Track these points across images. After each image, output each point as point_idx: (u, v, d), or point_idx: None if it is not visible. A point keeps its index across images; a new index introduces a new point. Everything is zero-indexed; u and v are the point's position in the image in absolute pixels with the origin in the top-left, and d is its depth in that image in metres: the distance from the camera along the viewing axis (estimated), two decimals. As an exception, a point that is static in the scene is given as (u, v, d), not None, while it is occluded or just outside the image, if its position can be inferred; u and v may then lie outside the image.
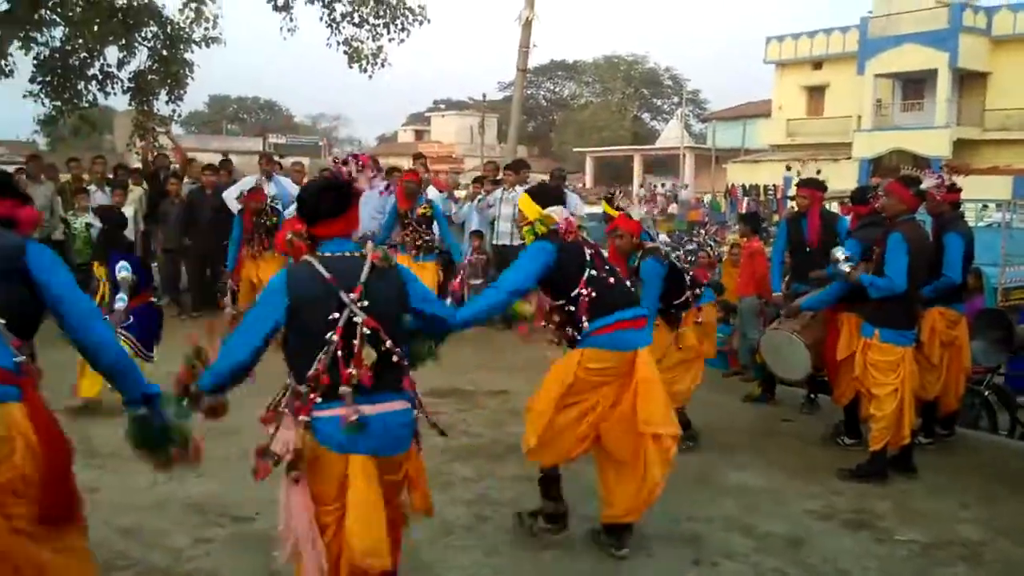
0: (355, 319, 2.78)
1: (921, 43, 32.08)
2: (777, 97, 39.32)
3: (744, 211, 22.84)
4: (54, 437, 2.54)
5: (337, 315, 2.76)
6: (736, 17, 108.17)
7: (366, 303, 2.80)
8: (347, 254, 2.90)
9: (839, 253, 5.41)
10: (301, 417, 2.75)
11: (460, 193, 11.29)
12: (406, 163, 13.37)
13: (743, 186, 32.60)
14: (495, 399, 6.61)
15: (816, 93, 38.07)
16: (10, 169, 10.67)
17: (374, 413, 2.79)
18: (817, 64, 37.67)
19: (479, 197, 10.13)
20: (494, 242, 9.86)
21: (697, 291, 5.57)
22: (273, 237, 8.92)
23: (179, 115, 14.94)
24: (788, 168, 31.05)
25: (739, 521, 4.55)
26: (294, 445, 2.71)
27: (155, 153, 13.38)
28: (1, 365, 2.46)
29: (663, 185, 39.07)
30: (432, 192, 10.11)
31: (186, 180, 10.74)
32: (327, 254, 2.88)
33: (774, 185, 31.73)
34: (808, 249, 6.48)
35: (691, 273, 5.69)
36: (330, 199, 2.93)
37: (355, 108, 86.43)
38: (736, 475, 5.30)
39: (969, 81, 33.22)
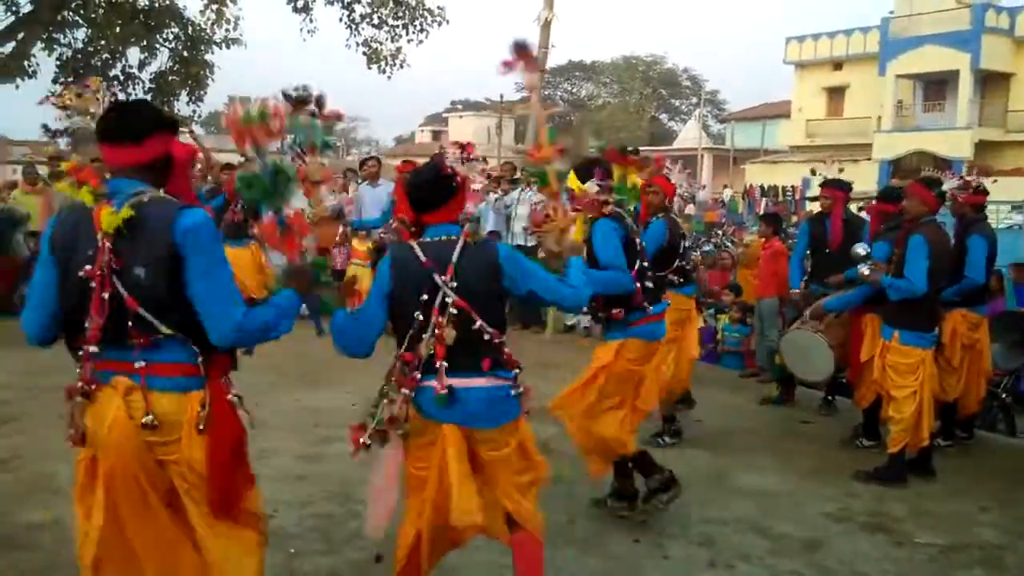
0: (447, 299, 2.94)
1: (943, 44, 31.81)
2: (797, 98, 39.10)
3: (763, 212, 22.74)
4: (226, 429, 2.61)
5: (428, 296, 2.94)
6: (755, 18, 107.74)
7: (455, 284, 2.95)
8: (445, 238, 3.04)
9: (860, 249, 5.37)
10: (404, 390, 2.98)
11: (475, 187, 11.29)
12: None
13: (761, 187, 32.46)
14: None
15: (836, 94, 37.84)
16: (42, 171, 10.80)
17: (461, 387, 2.96)
18: (837, 65, 37.45)
19: (495, 197, 10.14)
20: (510, 242, 9.87)
21: (679, 280, 5.67)
22: (250, 216, 8.97)
23: (199, 116, 15.10)
24: (813, 172, 30.91)
25: (755, 523, 4.53)
26: (393, 414, 2.98)
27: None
28: (187, 361, 2.54)
29: (680, 186, 38.81)
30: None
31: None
32: (427, 239, 3.05)
33: (792, 186, 31.55)
34: (829, 251, 6.45)
35: (689, 265, 5.65)
36: (436, 191, 3.09)
37: (373, 109, 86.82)
38: (752, 477, 5.28)
39: (992, 82, 32.90)
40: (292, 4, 14.03)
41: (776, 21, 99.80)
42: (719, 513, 4.64)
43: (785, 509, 4.76)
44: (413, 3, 13.91)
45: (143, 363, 2.49)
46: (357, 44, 14.15)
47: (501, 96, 49.51)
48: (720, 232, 21.45)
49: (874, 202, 6.05)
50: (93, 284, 2.45)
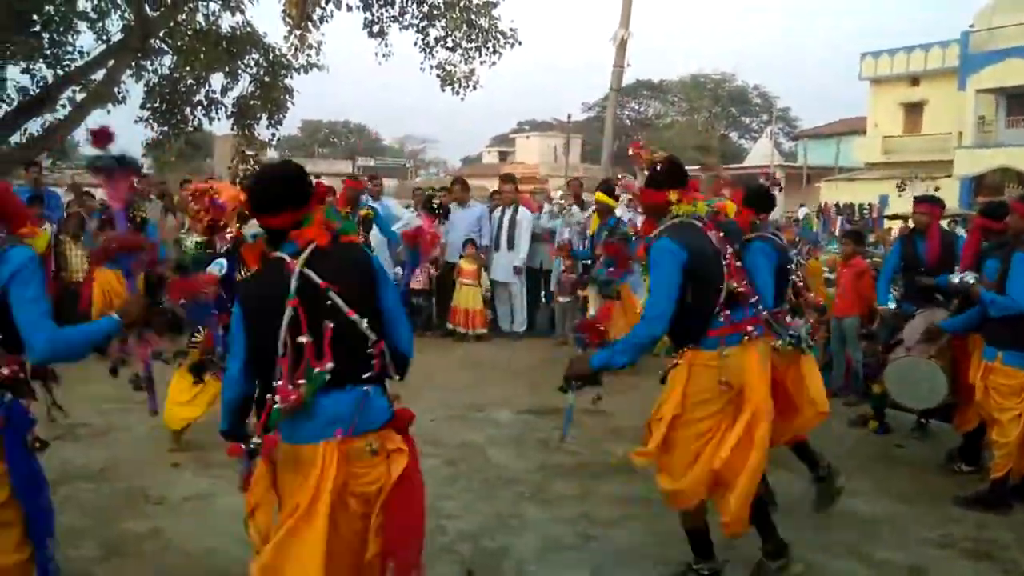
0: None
1: (1027, 57, 30.79)
2: (872, 114, 38.25)
3: (837, 230, 22.20)
4: None
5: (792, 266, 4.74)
6: (826, 35, 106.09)
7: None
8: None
9: (955, 278, 5.22)
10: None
11: (548, 207, 11.34)
12: (490, 184, 13.53)
13: (836, 205, 31.76)
14: (593, 418, 6.55)
15: (914, 110, 36.89)
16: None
17: None
18: (915, 80, 36.55)
19: (564, 210, 10.15)
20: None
21: None
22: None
23: (277, 139, 15.41)
24: (900, 186, 30.29)
25: (855, 549, 4.40)
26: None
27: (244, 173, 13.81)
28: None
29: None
30: (522, 211, 10.26)
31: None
32: (769, 233, 4.66)
33: (869, 204, 30.78)
34: (923, 269, 6.26)
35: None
36: (770, 202, 4.81)
37: (441, 130, 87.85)
38: (848, 502, 5.08)
39: (1078, 95, 31.70)
40: (368, 29, 14.27)
41: (847, 37, 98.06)
42: (816, 537, 4.50)
43: (884, 534, 4.62)
44: (486, 26, 13.99)
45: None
46: (431, 67, 14.31)
47: (568, 116, 49.69)
48: (795, 251, 21.01)
49: (978, 217, 5.81)
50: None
